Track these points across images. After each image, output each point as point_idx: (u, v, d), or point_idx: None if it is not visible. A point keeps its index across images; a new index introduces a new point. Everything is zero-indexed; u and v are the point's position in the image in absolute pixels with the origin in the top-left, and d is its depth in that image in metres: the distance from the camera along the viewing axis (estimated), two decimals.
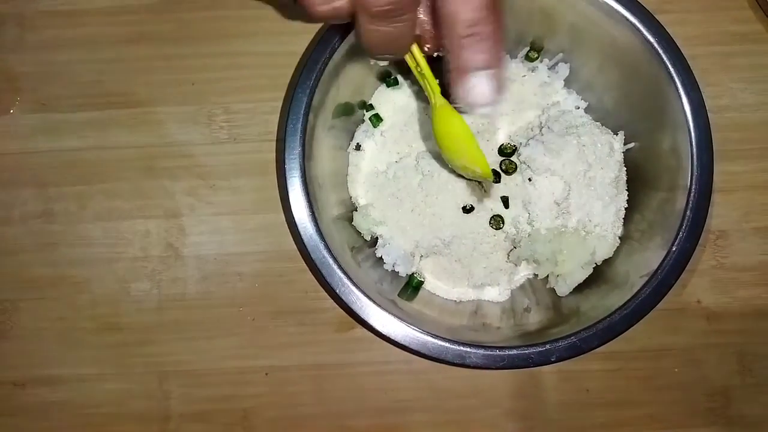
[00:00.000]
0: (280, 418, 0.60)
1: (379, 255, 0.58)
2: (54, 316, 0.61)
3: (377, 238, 0.59)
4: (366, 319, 0.50)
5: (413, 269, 0.59)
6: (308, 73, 0.52)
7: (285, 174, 0.51)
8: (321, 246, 0.51)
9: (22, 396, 0.60)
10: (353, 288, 0.50)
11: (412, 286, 0.59)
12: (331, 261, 0.51)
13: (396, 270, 0.58)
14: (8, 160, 0.63)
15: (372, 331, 0.51)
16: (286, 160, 0.51)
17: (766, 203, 0.62)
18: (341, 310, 0.60)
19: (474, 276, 0.58)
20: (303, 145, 0.51)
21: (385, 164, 0.60)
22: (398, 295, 0.58)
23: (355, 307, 0.50)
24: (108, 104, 0.63)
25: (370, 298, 0.50)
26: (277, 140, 0.62)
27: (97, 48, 0.63)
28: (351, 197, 0.60)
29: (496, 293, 0.59)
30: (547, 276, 0.58)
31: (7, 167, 0.63)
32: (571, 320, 0.53)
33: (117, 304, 0.61)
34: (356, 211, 0.59)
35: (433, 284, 0.60)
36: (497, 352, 0.50)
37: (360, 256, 0.57)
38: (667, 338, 0.61)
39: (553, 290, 0.57)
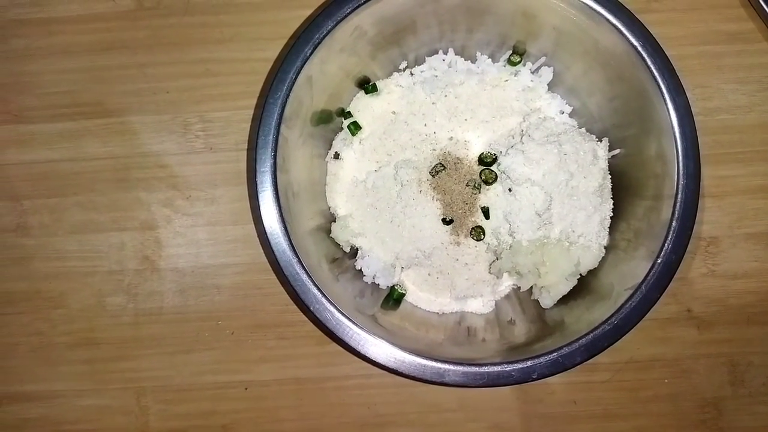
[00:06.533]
0: None
1: (358, 267, 0.57)
2: (29, 332, 0.60)
3: (357, 249, 0.58)
4: (341, 336, 0.49)
5: (394, 281, 0.57)
6: (279, 84, 0.50)
7: (256, 187, 0.50)
8: (294, 261, 0.49)
9: None
10: (327, 305, 0.49)
11: (393, 298, 0.57)
12: (304, 277, 0.49)
13: (377, 282, 0.57)
14: None
15: (347, 349, 0.50)
16: (257, 173, 0.50)
17: (758, 208, 0.60)
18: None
19: (456, 287, 0.57)
20: (275, 157, 0.50)
21: (365, 173, 0.58)
22: (381, 306, 0.56)
23: (330, 325, 0.49)
24: (81, 114, 0.61)
25: (345, 315, 0.49)
26: (248, 150, 0.61)
27: (69, 57, 0.62)
28: (330, 207, 0.59)
29: (479, 305, 0.58)
30: (532, 287, 0.56)
31: None
32: (555, 333, 0.52)
33: (93, 318, 0.60)
34: (335, 222, 0.57)
35: (415, 296, 0.58)
36: (477, 369, 0.49)
37: (339, 269, 0.56)
38: (656, 349, 0.59)
39: (538, 302, 0.56)
